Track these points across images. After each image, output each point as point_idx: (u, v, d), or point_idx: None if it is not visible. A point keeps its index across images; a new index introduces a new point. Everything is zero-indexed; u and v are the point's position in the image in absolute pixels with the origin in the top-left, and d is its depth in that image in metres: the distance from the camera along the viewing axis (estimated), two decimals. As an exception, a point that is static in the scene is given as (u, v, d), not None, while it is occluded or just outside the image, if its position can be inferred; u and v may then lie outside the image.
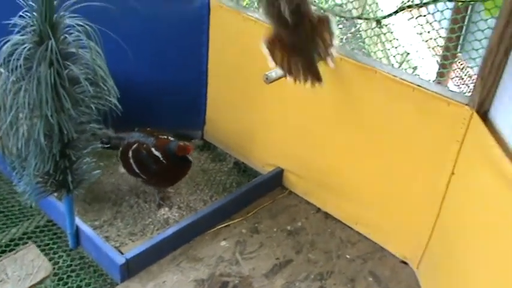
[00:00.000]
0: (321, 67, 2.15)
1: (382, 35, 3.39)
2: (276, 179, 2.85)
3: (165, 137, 2.56)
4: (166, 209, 2.67)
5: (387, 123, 2.27)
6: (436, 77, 2.79)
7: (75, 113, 1.93)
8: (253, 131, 2.91)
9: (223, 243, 2.52)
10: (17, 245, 2.39)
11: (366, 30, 4.20)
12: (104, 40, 1.94)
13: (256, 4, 4.11)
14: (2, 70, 1.88)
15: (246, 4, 3.99)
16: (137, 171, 2.54)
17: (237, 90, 2.88)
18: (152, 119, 2.83)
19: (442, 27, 2.72)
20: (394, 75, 2.16)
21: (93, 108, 1.99)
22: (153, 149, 2.48)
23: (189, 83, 3.02)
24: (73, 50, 1.89)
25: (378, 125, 2.31)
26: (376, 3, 3.47)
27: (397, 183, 2.34)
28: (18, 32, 1.87)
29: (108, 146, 2.63)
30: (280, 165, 2.84)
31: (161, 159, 2.46)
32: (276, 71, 2.14)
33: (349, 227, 2.61)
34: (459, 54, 2.90)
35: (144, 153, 2.50)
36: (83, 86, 1.92)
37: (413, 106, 2.14)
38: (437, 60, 3.05)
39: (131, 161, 2.53)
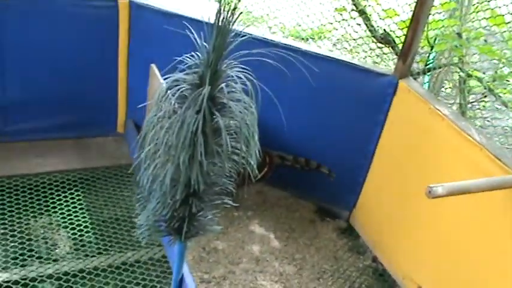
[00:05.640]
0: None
1: None
2: (415, 300, 2.40)
3: None
4: (278, 286, 2.41)
5: None
6: None
7: (207, 164, 1.80)
8: (405, 236, 2.50)
9: None
10: (126, 270, 2.36)
11: None
12: (263, 98, 1.78)
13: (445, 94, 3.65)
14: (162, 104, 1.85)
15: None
16: None
17: (399, 184, 2.51)
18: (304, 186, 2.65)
19: None
20: None
21: (229, 164, 1.85)
22: None
23: (351, 160, 2.76)
24: (225, 101, 1.77)
25: None
26: None
27: None
28: (183, 70, 1.82)
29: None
30: (423, 285, 2.38)
31: None
32: (443, 186, 1.75)
33: None
34: None
35: None
36: (223, 140, 1.78)
37: None
38: None
39: None
